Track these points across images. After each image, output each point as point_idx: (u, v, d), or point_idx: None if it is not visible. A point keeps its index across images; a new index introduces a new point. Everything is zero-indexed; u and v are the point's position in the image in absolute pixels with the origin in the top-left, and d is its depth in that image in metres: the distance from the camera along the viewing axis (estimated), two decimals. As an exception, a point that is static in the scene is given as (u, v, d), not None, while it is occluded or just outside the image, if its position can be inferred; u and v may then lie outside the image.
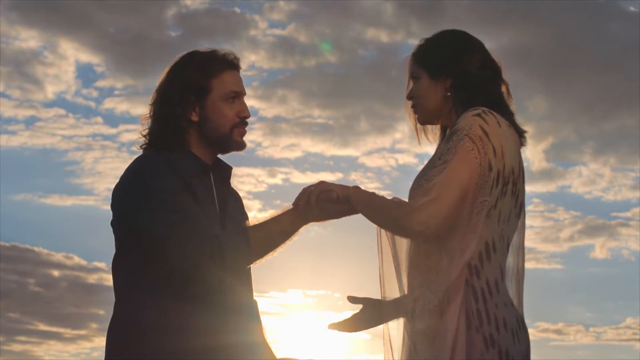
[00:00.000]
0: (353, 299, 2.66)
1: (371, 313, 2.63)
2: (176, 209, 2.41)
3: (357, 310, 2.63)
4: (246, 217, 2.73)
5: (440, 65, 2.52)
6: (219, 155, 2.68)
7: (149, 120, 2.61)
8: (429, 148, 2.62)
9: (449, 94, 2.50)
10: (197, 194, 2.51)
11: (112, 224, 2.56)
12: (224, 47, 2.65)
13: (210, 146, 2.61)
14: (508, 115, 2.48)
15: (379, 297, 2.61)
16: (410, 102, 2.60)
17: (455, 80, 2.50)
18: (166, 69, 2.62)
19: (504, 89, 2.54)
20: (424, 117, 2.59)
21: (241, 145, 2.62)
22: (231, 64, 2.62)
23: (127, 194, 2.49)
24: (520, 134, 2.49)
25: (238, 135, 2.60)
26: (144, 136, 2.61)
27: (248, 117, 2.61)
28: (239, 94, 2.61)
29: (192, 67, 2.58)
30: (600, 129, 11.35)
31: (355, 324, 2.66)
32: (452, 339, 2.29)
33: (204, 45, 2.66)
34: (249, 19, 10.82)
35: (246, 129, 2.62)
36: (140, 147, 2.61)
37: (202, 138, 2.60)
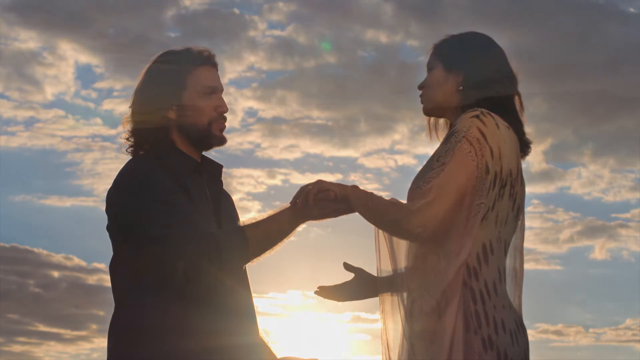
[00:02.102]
0: (348, 266, 2.67)
1: (363, 284, 2.66)
2: (172, 210, 2.41)
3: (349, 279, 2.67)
4: (237, 216, 2.73)
5: (456, 58, 2.53)
6: (208, 154, 2.68)
7: (130, 123, 2.61)
8: (429, 149, 2.62)
9: (461, 87, 2.50)
10: (191, 193, 2.51)
11: (108, 227, 2.55)
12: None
13: (193, 144, 2.62)
14: (510, 118, 2.48)
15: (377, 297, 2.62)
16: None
17: (467, 76, 2.50)
18: (143, 71, 2.63)
19: (516, 100, 2.53)
20: (429, 108, 2.58)
21: (221, 140, 2.63)
22: (206, 60, 2.63)
23: (123, 196, 2.49)
24: (524, 144, 2.48)
25: (217, 130, 2.60)
26: (127, 139, 2.61)
27: (225, 111, 2.62)
28: (215, 89, 2.61)
29: (167, 65, 2.60)
30: (599, 130, 11.35)
31: (343, 293, 2.68)
32: (450, 341, 2.29)
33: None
34: (248, 20, 10.82)
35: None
36: (127, 150, 2.62)
37: (184, 136, 2.60)
